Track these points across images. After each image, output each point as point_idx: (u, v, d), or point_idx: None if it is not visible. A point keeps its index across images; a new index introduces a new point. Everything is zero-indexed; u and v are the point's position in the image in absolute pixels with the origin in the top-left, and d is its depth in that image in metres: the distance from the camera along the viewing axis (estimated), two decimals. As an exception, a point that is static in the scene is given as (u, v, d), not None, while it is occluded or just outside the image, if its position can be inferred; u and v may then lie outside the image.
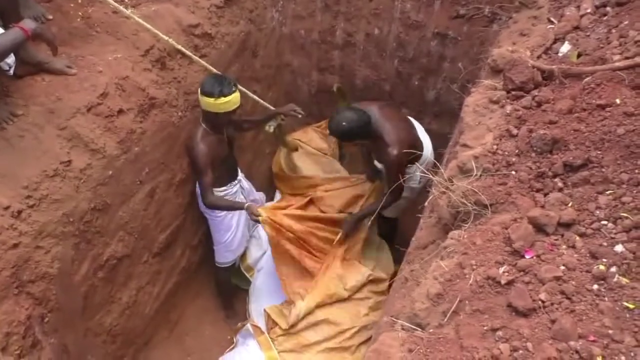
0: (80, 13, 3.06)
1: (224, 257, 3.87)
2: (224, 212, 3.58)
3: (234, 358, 3.40)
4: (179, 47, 3.23)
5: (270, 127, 3.87)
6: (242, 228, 3.81)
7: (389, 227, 4.12)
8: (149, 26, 3.05)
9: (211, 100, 3.09)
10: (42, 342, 2.51)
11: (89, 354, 3.07)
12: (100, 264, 2.98)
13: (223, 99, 3.09)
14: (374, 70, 4.46)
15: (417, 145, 3.40)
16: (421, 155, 3.43)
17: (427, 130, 3.76)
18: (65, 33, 2.92)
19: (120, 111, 2.87)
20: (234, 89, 3.15)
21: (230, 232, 3.72)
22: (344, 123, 3.21)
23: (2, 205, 2.33)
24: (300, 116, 3.85)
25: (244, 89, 3.65)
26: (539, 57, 2.29)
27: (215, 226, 3.72)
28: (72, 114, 2.66)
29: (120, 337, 3.33)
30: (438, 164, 2.29)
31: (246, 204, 3.37)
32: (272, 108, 3.93)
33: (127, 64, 2.98)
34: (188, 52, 3.30)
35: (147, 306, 3.57)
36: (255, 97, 3.77)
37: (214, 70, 3.46)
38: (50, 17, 2.89)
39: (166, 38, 3.13)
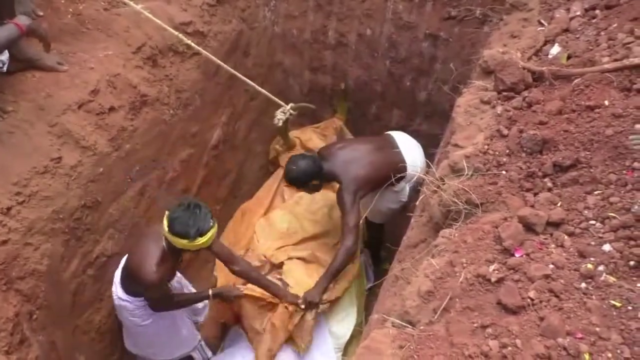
0: (70, 9, 3.04)
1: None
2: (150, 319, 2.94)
3: (225, 358, 3.39)
4: (189, 42, 3.18)
5: (279, 121, 3.89)
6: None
7: (375, 232, 4.13)
8: (159, 21, 3.00)
9: (185, 241, 2.50)
10: (30, 339, 2.49)
11: (77, 351, 3.05)
12: (89, 261, 2.97)
13: (200, 240, 2.51)
14: (365, 70, 4.48)
15: (397, 168, 3.37)
16: (404, 175, 3.42)
17: (417, 132, 3.77)
18: (56, 29, 2.90)
19: (112, 108, 2.87)
20: (211, 221, 2.55)
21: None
22: (294, 168, 3.34)
23: (-9, 201, 2.32)
24: (314, 107, 4.08)
25: (252, 83, 3.62)
26: (529, 58, 2.31)
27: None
28: (62, 110, 2.65)
29: (108, 335, 3.31)
30: (430, 164, 2.31)
31: (210, 291, 3.10)
32: (280, 102, 3.90)
33: (119, 61, 2.97)
34: (198, 48, 3.26)
35: (136, 304, 3.54)
36: (264, 91, 3.73)
37: (223, 65, 3.40)
38: (41, 13, 2.87)
39: (176, 33, 3.08)
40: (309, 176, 3.36)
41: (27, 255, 2.49)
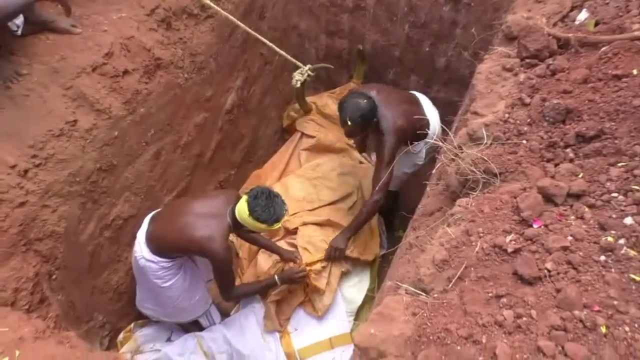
0: (84, -31, 2.98)
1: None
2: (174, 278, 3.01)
3: (239, 319, 3.45)
4: (208, 1, 3.14)
5: (297, 82, 3.86)
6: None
7: (389, 199, 4.11)
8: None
9: (264, 226, 2.71)
10: (50, 299, 2.56)
11: (95, 310, 3.13)
12: (106, 224, 3.01)
13: (276, 225, 2.76)
14: (383, 35, 4.38)
15: (423, 124, 3.34)
16: (427, 133, 3.39)
17: (435, 99, 3.70)
18: (70, -10, 2.86)
19: (126, 72, 2.84)
20: (285, 207, 2.79)
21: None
22: (358, 110, 3.11)
23: (9, 163, 2.34)
24: (332, 67, 4.05)
25: (269, 43, 3.57)
26: (555, 24, 2.23)
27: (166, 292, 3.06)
28: (77, 73, 2.63)
29: (126, 296, 3.39)
30: (448, 130, 2.27)
31: (277, 277, 3.21)
32: (298, 63, 3.85)
33: (132, 24, 2.93)
34: (215, 7, 3.20)
35: (152, 267, 3.60)
36: (281, 51, 3.67)
37: (241, 25, 3.34)
38: None
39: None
40: (372, 115, 3.17)
41: (45, 217, 2.52)
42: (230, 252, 2.94)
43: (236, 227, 2.81)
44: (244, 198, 2.71)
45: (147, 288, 3.09)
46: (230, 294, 3.03)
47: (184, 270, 3.04)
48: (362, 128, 3.24)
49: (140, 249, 2.89)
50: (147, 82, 3.01)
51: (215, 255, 2.74)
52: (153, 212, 3.06)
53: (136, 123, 3.00)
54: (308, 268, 3.34)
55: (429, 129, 3.39)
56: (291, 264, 3.38)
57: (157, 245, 2.85)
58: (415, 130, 3.26)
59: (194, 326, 3.49)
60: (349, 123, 3.14)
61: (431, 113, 3.49)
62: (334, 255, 3.41)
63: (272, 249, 3.46)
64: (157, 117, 3.17)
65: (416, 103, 3.50)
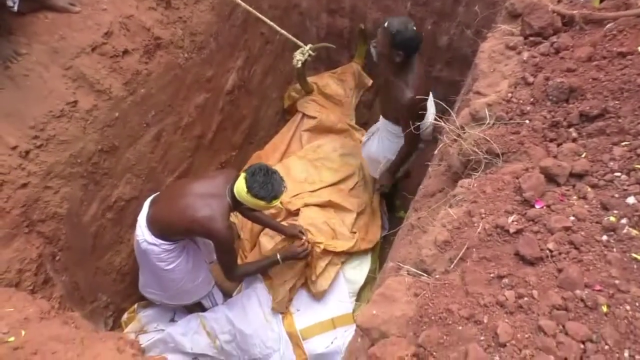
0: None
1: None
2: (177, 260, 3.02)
3: (242, 300, 3.48)
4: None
5: (298, 62, 3.82)
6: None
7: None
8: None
9: (263, 203, 2.69)
10: (53, 279, 2.59)
11: (99, 291, 3.16)
12: (108, 205, 3.02)
13: (274, 202, 2.73)
14: (385, 13, 4.31)
15: (424, 104, 3.25)
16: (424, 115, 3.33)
17: (437, 78, 3.67)
18: (67, -32, 2.81)
19: (126, 51, 2.82)
20: (284, 184, 2.76)
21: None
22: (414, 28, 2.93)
23: (10, 145, 2.34)
24: (334, 47, 4.04)
25: (271, 23, 3.54)
26: (559, 1, 2.19)
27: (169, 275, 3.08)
28: (76, 53, 2.61)
29: (129, 276, 3.42)
30: (451, 111, 2.25)
31: (279, 255, 3.20)
32: (299, 43, 3.81)
33: (132, 2, 2.90)
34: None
35: (155, 247, 3.63)
36: (283, 31, 3.62)
37: (242, 3, 3.31)
38: None
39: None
40: (413, 48, 3.00)
41: (48, 198, 2.53)
42: (232, 232, 2.94)
43: (236, 205, 2.80)
44: (242, 175, 2.70)
45: (150, 271, 3.11)
46: (233, 273, 3.04)
47: (187, 252, 3.05)
48: (394, 55, 3.02)
49: (142, 232, 2.90)
50: (147, 62, 2.98)
51: (217, 235, 2.74)
52: (153, 195, 3.06)
53: (137, 104, 2.99)
54: (312, 242, 3.34)
55: (425, 111, 3.34)
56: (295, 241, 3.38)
57: (159, 228, 2.85)
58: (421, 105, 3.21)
59: (197, 307, 3.52)
60: (418, 38, 2.96)
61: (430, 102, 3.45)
62: (380, 188, 3.83)
63: (275, 227, 3.46)
64: (158, 98, 3.15)
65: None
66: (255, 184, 2.63)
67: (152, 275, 3.13)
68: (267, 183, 2.65)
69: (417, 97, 3.05)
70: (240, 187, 2.67)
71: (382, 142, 3.55)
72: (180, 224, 2.78)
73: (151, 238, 2.87)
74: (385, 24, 2.98)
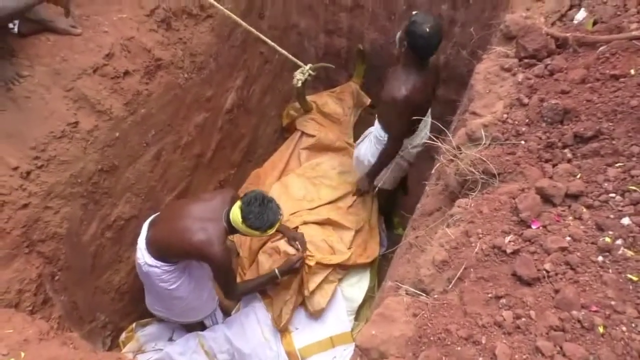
0: (83, -29, 2.99)
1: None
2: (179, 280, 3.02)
3: (240, 319, 3.47)
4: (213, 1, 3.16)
5: (298, 81, 3.87)
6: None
7: (386, 198, 4.11)
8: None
9: (257, 232, 2.70)
10: (52, 299, 2.59)
11: (97, 310, 3.15)
12: (108, 224, 3.03)
13: (269, 231, 2.73)
14: (382, 33, 4.37)
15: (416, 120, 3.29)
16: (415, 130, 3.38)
17: (434, 97, 3.70)
18: (70, -9, 2.86)
19: (126, 72, 2.85)
20: (280, 212, 2.76)
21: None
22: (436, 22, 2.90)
23: (11, 165, 2.36)
24: (333, 67, 4.10)
25: (272, 43, 3.58)
26: (553, 24, 2.24)
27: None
28: (78, 75, 2.64)
29: (127, 295, 3.41)
30: (446, 131, 2.28)
31: (277, 271, 3.17)
32: (299, 62, 3.86)
33: (133, 24, 2.94)
34: (218, 5, 3.22)
35: (153, 266, 3.63)
36: (283, 51, 3.68)
37: (244, 24, 3.36)
38: None
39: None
40: (432, 45, 2.94)
41: (48, 218, 2.54)
42: (229, 253, 2.94)
43: (232, 230, 2.79)
44: (237, 204, 2.69)
45: (155, 292, 3.11)
46: (233, 293, 3.04)
47: (188, 271, 3.04)
48: (403, 42, 2.97)
49: (142, 255, 2.90)
50: (147, 82, 3.02)
51: (213, 259, 2.74)
52: (152, 217, 3.06)
53: (137, 124, 3.01)
54: (306, 254, 3.35)
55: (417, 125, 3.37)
56: (290, 251, 3.38)
57: (158, 250, 2.86)
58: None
59: (198, 325, 3.51)
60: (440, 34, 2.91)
61: (423, 123, 3.47)
62: (360, 193, 3.84)
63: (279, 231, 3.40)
64: (158, 118, 3.18)
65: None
66: (251, 215, 2.63)
67: (157, 295, 3.13)
68: (262, 213, 2.64)
69: (410, 99, 3.01)
70: (236, 216, 2.67)
71: (371, 145, 3.55)
72: (178, 246, 2.78)
73: (151, 260, 2.87)
74: (415, 12, 2.98)
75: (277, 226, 2.76)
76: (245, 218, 2.63)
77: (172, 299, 3.07)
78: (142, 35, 2.96)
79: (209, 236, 2.70)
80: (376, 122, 3.48)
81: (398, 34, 3.04)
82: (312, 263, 3.35)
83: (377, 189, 3.75)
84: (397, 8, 4.16)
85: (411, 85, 3.02)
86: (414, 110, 3.11)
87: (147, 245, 2.89)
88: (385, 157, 3.42)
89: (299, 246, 3.37)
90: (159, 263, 2.87)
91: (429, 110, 3.48)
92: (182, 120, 3.45)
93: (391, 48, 4.42)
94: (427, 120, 3.47)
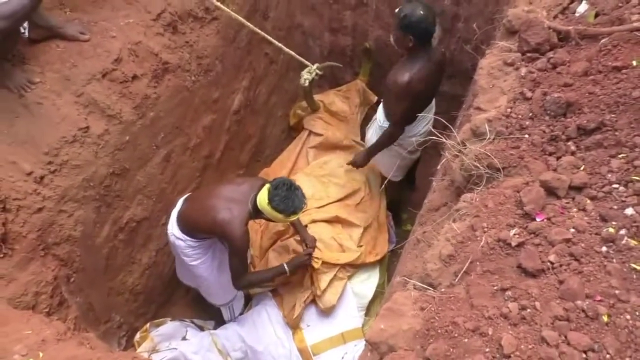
0: (90, -23, 3.04)
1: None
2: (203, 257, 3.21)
3: (252, 317, 3.51)
4: (218, 3, 3.22)
5: (305, 81, 3.91)
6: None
7: (394, 191, 4.13)
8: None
9: (281, 216, 2.80)
10: (68, 301, 2.64)
11: (113, 311, 3.21)
12: (120, 227, 3.08)
13: (293, 216, 2.84)
14: (386, 30, 4.38)
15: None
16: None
17: (439, 93, 3.71)
18: (78, -2, 2.92)
19: (135, 77, 2.90)
20: (305, 201, 2.86)
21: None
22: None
23: (25, 171, 2.41)
24: (340, 65, 4.12)
25: (279, 44, 3.63)
26: (555, 17, 2.25)
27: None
28: (87, 80, 2.69)
29: (141, 296, 3.47)
30: (451, 127, 2.30)
31: (285, 264, 3.23)
32: (306, 62, 3.89)
33: (140, 29, 2.98)
34: (225, 8, 3.28)
35: (166, 266, 3.69)
36: (289, 51, 3.71)
37: (251, 26, 3.41)
38: None
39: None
40: (425, 33, 2.99)
41: (62, 222, 2.60)
42: (248, 237, 3.02)
43: (256, 214, 2.90)
44: (266, 186, 2.81)
45: (181, 262, 3.29)
46: (240, 280, 3.11)
47: (213, 251, 3.20)
48: (406, 40, 3.02)
49: (172, 226, 3.09)
50: (155, 86, 3.07)
51: (232, 238, 2.84)
52: (188, 194, 3.26)
53: (146, 127, 3.06)
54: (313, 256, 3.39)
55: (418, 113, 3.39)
56: (299, 251, 3.44)
57: (185, 224, 3.02)
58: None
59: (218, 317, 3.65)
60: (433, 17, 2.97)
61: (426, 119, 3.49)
62: (353, 164, 3.80)
63: (295, 226, 3.52)
64: (167, 121, 3.23)
65: None
66: (277, 197, 2.73)
67: (183, 265, 3.31)
68: (288, 198, 2.75)
69: (411, 86, 3.06)
70: (263, 197, 2.78)
71: (375, 131, 3.61)
72: (202, 222, 2.92)
73: (178, 233, 3.05)
74: (397, 9, 3.03)
75: (299, 213, 2.86)
76: (271, 200, 2.74)
77: (193, 275, 3.26)
78: (149, 39, 3.01)
79: (232, 216, 2.82)
80: (380, 109, 3.51)
81: (393, 37, 3.12)
82: (317, 266, 3.39)
83: (385, 183, 3.77)
84: (401, 4, 4.16)
85: (415, 73, 3.08)
86: (414, 99, 3.17)
87: (177, 218, 3.08)
88: (385, 138, 3.47)
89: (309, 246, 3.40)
90: (184, 237, 3.04)
91: (432, 104, 3.49)
92: (190, 122, 3.49)
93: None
94: (430, 114, 3.49)
